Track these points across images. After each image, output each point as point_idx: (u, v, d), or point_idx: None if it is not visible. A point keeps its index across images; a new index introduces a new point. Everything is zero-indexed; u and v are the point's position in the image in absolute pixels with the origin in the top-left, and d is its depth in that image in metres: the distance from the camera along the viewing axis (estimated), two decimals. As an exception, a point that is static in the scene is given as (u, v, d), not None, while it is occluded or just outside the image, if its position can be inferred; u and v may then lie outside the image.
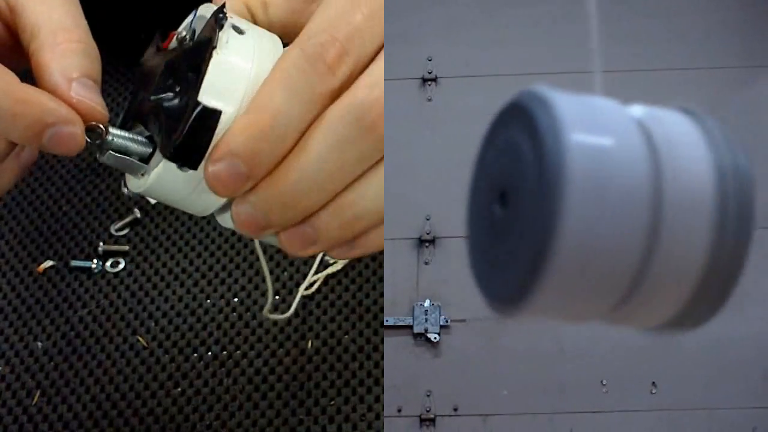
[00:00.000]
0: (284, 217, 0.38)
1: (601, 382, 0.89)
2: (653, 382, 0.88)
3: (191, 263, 0.68)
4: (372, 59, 0.38)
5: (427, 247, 0.93)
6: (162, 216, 0.71)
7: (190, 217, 0.71)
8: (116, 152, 0.39)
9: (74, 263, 0.69)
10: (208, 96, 0.37)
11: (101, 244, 0.69)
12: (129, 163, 0.39)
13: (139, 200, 0.72)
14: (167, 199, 0.40)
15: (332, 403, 0.60)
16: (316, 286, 0.66)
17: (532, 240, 0.29)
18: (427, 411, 0.88)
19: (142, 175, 0.40)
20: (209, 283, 0.67)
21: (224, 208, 0.41)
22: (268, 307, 0.59)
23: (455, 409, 0.88)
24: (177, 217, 0.71)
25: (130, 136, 0.39)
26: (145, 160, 0.40)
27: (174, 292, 0.67)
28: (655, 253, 0.30)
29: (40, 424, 0.60)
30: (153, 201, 0.72)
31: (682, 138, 0.31)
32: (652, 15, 0.99)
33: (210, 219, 0.70)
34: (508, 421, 0.88)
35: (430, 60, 0.99)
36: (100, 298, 0.67)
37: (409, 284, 0.92)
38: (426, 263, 0.93)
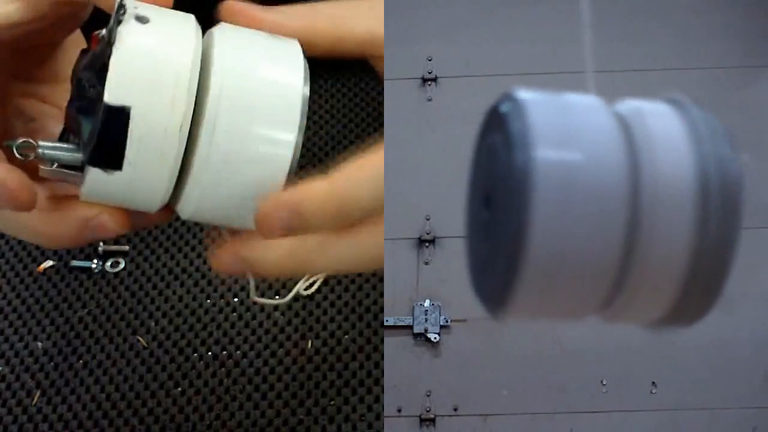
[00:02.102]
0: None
1: (601, 382, 0.89)
2: (653, 382, 0.88)
3: (191, 263, 0.68)
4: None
5: (427, 247, 0.93)
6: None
7: (190, 217, 0.71)
8: (49, 164, 0.38)
9: (74, 263, 0.69)
10: (112, 94, 0.36)
11: (101, 244, 0.69)
12: (63, 173, 0.38)
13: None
14: (110, 203, 0.39)
15: (332, 403, 0.60)
16: (316, 286, 0.66)
17: (507, 242, 0.30)
18: (427, 411, 0.88)
19: (81, 184, 0.39)
20: (209, 283, 0.67)
21: (177, 204, 0.40)
22: (252, 290, 0.57)
23: (455, 409, 0.88)
24: (177, 216, 0.71)
25: (60, 145, 0.38)
26: (80, 168, 0.38)
27: (174, 292, 0.67)
28: (635, 251, 0.30)
29: (40, 424, 0.60)
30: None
31: (664, 135, 0.31)
32: (652, 15, 0.99)
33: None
34: (508, 421, 0.88)
35: (430, 60, 0.99)
36: (100, 298, 0.67)
37: (409, 284, 0.92)
38: (426, 263, 0.93)
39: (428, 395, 0.88)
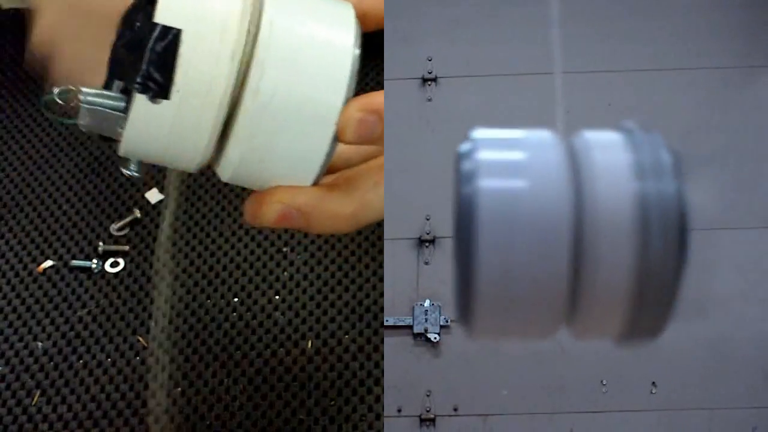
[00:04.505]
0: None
1: (601, 382, 0.89)
2: (653, 382, 0.88)
3: (191, 263, 0.68)
4: None
5: (427, 247, 0.93)
6: (162, 216, 0.71)
7: (191, 217, 0.71)
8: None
9: (74, 263, 0.69)
10: (163, 16, 0.36)
11: (101, 244, 0.69)
12: (105, 114, 0.38)
13: (139, 200, 0.72)
14: (151, 151, 0.38)
15: (332, 403, 0.60)
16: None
17: (464, 267, 0.33)
18: (427, 411, 0.88)
19: (122, 129, 0.38)
20: (209, 283, 0.67)
21: (220, 159, 0.39)
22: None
23: (455, 409, 0.88)
24: (177, 217, 0.71)
25: (103, 92, 0.38)
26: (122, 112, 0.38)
27: (174, 292, 0.67)
28: (582, 274, 0.32)
29: (40, 424, 0.60)
30: (151, 199, 0.72)
31: (607, 166, 0.33)
32: (652, 15, 0.99)
33: (210, 219, 0.70)
34: (508, 421, 0.88)
35: (430, 60, 0.99)
36: (100, 298, 0.67)
37: (409, 284, 0.92)
38: (426, 263, 0.93)
39: (428, 395, 0.88)
